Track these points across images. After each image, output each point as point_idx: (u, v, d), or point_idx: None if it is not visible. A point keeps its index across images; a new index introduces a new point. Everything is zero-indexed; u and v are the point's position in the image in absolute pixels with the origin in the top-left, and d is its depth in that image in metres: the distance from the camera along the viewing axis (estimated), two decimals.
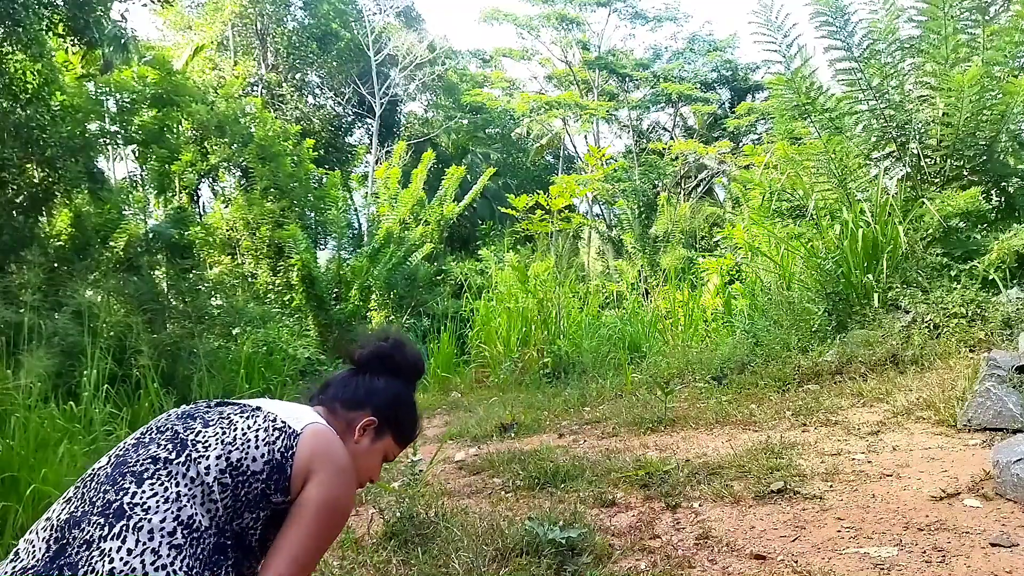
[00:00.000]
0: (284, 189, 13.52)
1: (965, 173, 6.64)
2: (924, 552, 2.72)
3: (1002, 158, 6.65)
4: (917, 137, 6.89)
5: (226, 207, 13.91)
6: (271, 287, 13.38)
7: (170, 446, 1.30)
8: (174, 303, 8.50)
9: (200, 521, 1.21)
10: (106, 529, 1.16)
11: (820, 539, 2.97)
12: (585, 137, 25.56)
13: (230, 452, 1.30)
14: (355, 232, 17.54)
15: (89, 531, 1.17)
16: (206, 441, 1.31)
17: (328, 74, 22.75)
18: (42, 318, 6.33)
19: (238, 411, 1.41)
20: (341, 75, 22.44)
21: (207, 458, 1.28)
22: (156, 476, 1.24)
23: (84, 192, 8.14)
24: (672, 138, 24.58)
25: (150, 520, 1.18)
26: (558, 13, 23.45)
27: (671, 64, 24.73)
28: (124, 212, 8.72)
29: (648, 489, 3.87)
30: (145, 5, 7.59)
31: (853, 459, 3.96)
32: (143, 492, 1.21)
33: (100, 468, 1.31)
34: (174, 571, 1.15)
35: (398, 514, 3.45)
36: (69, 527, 1.20)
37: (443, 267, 17.83)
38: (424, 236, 16.74)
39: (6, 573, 1.18)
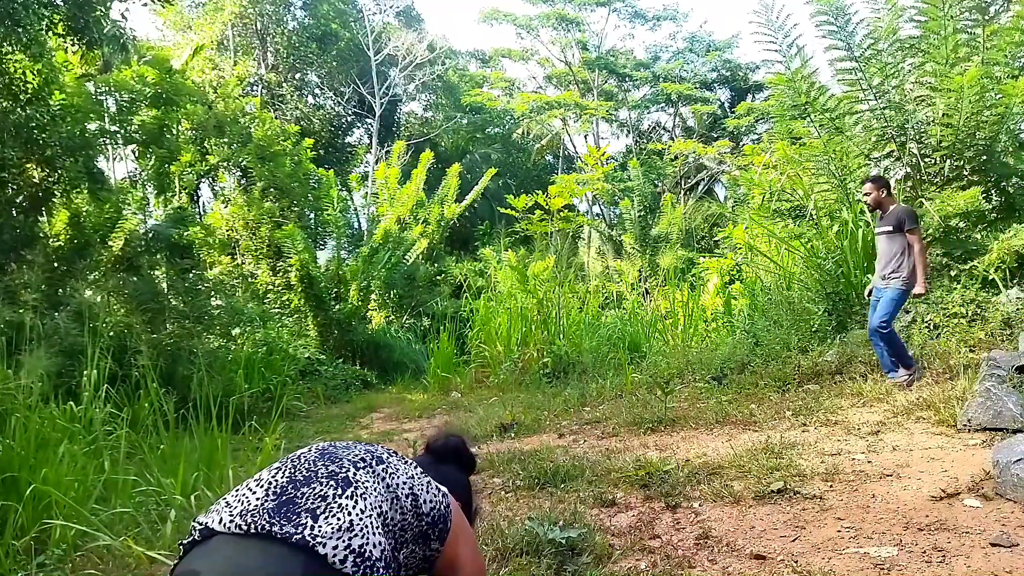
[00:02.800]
0: (283, 189, 13.51)
1: (965, 173, 6.65)
2: (924, 552, 2.72)
3: (1002, 158, 6.65)
4: (917, 137, 6.89)
5: (226, 207, 13.90)
6: (270, 287, 13.37)
7: (370, 455, 1.50)
8: (174, 303, 8.49)
9: (389, 522, 1.41)
10: (340, 490, 1.34)
11: (820, 539, 2.97)
12: (585, 137, 25.58)
13: (413, 484, 1.50)
14: (354, 232, 17.55)
15: (322, 490, 1.33)
16: (395, 466, 1.50)
17: (328, 74, 22.75)
18: (42, 318, 6.33)
19: (401, 455, 1.60)
20: (341, 75, 22.44)
21: (398, 477, 1.48)
22: (367, 470, 1.44)
23: (84, 192, 8.13)
24: (672, 138, 24.58)
25: (368, 497, 1.36)
26: (557, 13, 23.45)
27: (671, 64, 24.74)
28: (124, 212, 8.70)
29: (648, 489, 3.87)
30: (145, 5, 7.57)
31: (853, 459, 3.96)
32: (360, 475, 1.41)
33: (304, 453, 1.49)
34: (386, 543, 1.33)
35: None
36: (295, 486, 1.34)
37: (443, 267, 17.83)
38: (424, 235, 16.74)
39: (224, 515, 1.29)
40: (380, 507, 1.38)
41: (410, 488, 1.49)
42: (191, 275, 8.99)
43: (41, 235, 7.75)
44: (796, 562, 2.77)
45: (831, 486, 3.58)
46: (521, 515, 3.47)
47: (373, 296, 14.66)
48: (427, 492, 1.52)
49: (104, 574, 2.91)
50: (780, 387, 5.98)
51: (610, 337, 10.18)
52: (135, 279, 8.17)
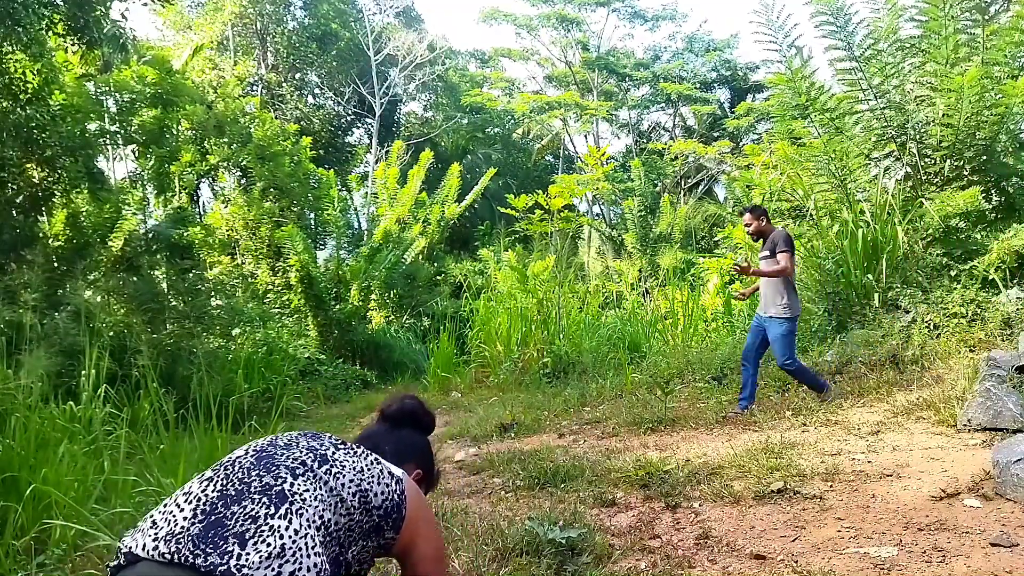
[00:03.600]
0: (283, 189, 13.52)
1: (965, 173, 6.64)
2: (924, 552, 2.72)
3: (1002, 158, 6.65)
4: (917, 137, 6.89)
5: (225, 207, 13.90)
6: (270, 287, 13.38)
7: (312, 455, 1.41)
8: (174, 303, 8.50)
9: (332, 528, 1.33)
10: (272, 509, 1.25)
11: (820, 539, 2.97)
12: (585, 137, 25.59)
13: (361, 480, 1.43)
14: (354, 232, 17.55)
15: (254, 508, 1.25)
16: (342, 461, 1.43)
17: (328, 74, 22.75)
18: (42, 318, 6.34)
19: (350, 445, 1.53)
20: (341, 75, 22.44)
21: (344, 477, 1.40)
22: (306, 476, 1.35)
23: (84, 192, 8.13)
24: (672, 138, 24.59)
25: (306, 510, 1.28)
26: (557, 13, 23.45)
27: (670, 64, 24.74)
28: (124, 212, 8.71)
29: (648, 489, 3.87)
30: (145, 5, 7.58)
31: (853, 459, 3.96)
32: (299, 485, 1.32)
33: (240, 457, 1.39)
34: (323, 561, 1.25)
35: None
36: (225, 503, 1.26)
37: (443, 267, 17.83)
38: (423, 235, 16.74)
39: (148, 539, 1.22)
40: (321, 517, 1.31)
41: (358, 485, 1.41)
42: (191, 275, 9.00)
43: (41, 235, 7.76)
44: (796, 562, 2.77)
45: (831, 486, 3.58)
46: (521, 515, 3.47)
47: (373, 296, 14.66)
48: (378, 484, 1.45)
49: (104, 574, 2.91)
50: (780, 387, 5.98)
51: (610, 337, 10.18)
52: (135, 279, 8.17)
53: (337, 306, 13.34)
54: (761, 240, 5.59)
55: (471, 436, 6.27)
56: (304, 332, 12.79)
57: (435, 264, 17.85)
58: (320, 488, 1.34)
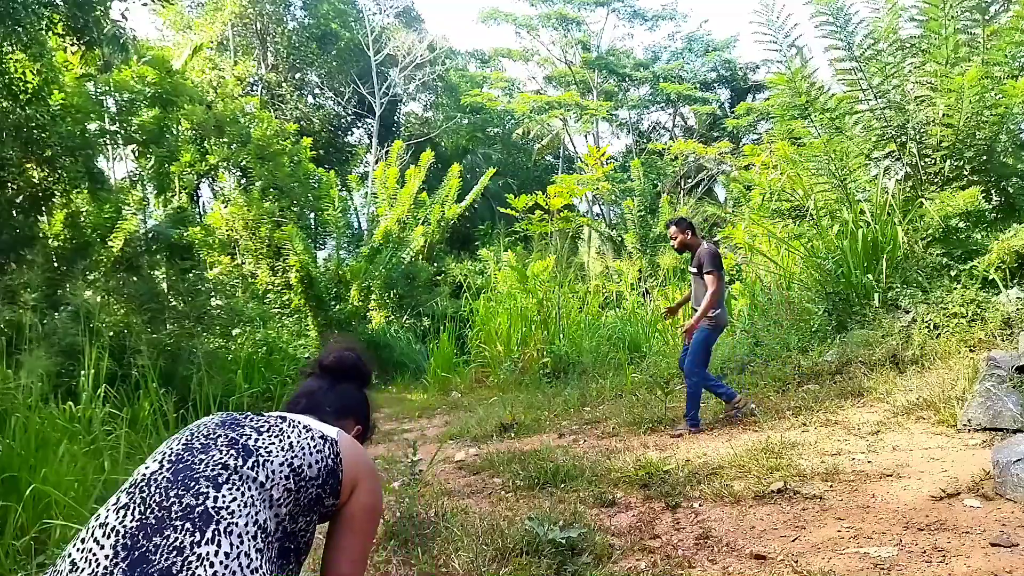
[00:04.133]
0: (283, 189, 13.53)
1: (965, 173, 6.64)
2: (924, 552, 2.72)
3: (1002, 158, 6.64)
4: (917, 137, 6.89)
5: (225, 207, 13.91)
6: (270, 287, 13.37)
7: (234, 452, 1.32)
8: (174, 303, 8.49)
9: (270, 525, 1.26)
10: (198, 535, 1.14)
11: (820, 539, 2.97)
12: (585, 137, 25.58)
13: (292, 458, 1.36)
14: (354, 232, 17.55)
15: (178, 537, 1.15)
16: (268, 447, 1.35)
17: (328, 74, 22.75)
18: (42, 318, 6.33)
19: (274, 421, 1.45)
20: (341, 75, 22.44)
21: (272, 463, 1.33)
22: (231, 481, 1.26)
23: (84, 192, 8.14)
24: (672, 138, 24.58)
25: (236, 524, 1.19)
26: (557, 13, 23.44)
27: (670, 64, 24.74)
28: (124, 212, 8.71)
29: (648, 489, 3.87)
30: (145, 5, 7.57)
31: (853, 459, 3.96)
32: (224, 496, 1.22)
33: (155, 473, 1.27)
34: (263, 574, 1.18)
35: (398, 514, 3.45)
36: (146, 534, 1.15)
37: (443, 267, 17.84)
38: (424, 235, 16.74)
39: None
40: (256, 522, 1.22)
41: (290, 465, 1.34)
42: (191, 275, 8.99)
43: (41, 235, 7.75)
44: (796, 562, 2.77)
45: (831, 486, 3.58)
46: (521, 515, 3.47)
47: (373, 296, 14.67)
48: (311, 455, 1.38)
49: None
50: (780, 387, 5.98)
51: (610, 337, 10.18)
52: (135, 279, 8.17)
53: (337, 306, 13.35)
54: (689, 253, 5.60)
55: (471, 436, 6.27)
56: (304, 332, 12.79)
57: (435, 264, 17.85)
58: (250, 489, 1.26)
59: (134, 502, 1.21)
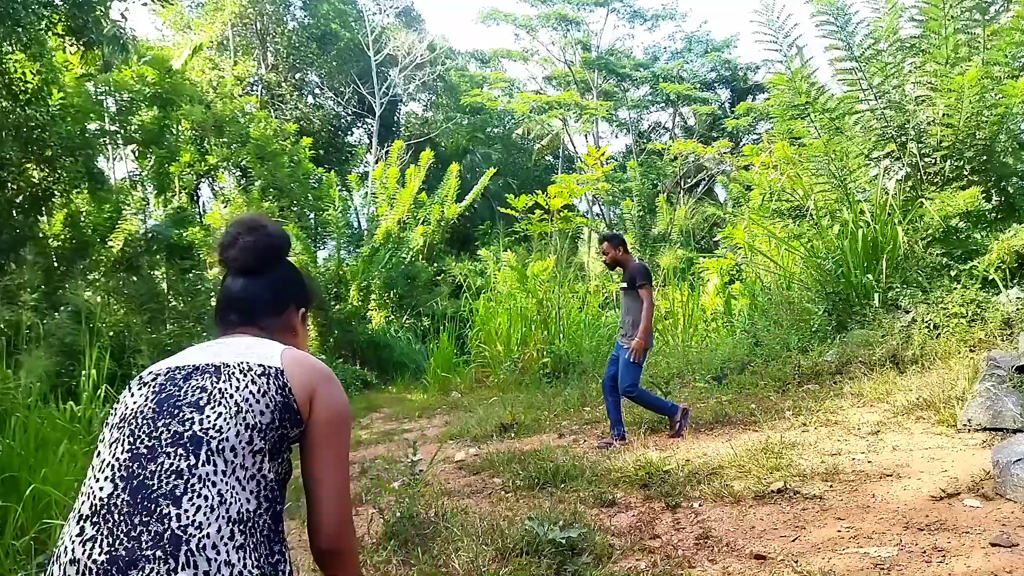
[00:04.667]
0: (283, 189, 13.53)
1: (965, 173, 6.64)
2: (924, 552, 2.72)
3: (1002, 158, 6.64)
4: (917, 137, 6.89)
5: (225, 207, 13.91)
6: None
7: (183, 451, 1.19)
8: (174, 303, 8.50)
9: (246, 513, 1.19)
10: (172, 562, 1.10)
11: (820, 539, 2.97)
12: (585, 137, 25.59)
13: (244, 418, 1.24)
14: (354, 232, 17.54)
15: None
16: (216, 424, 1.22)
17: (328, 74, 22.77)
18: (42, 318, 6.34)
19: (210, 377, 1.29)
20: (341, 75, 22.45)
21: (227, 439, 1.21)
22: (191, 493, 1.16)
23: (84, 192, 8.14)
24: (672, 138, 24.59)
25: (206, 543, 1.13)
26: (556, 13, 23.45)
27: (670, 64, 24.75)
28: (124, 212, 8.72)
29: (648, 489, 3.87)
30: (145, 4, 7.58)
31: (853, 459, 3.96)
32: (187, 511, 1.15)
33: (113, 497, 1.18)
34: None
35: (398, 514, 3.45)
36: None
37: (443, 267, 17.84)
38: (423, 235, 16.75)
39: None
40: (229, 517, 1.16)
41: (246, 427, 1.23)
42: (191, 275, 9.00)
43: (41, 235, 7.76)
44: (796, 562, 2.77)
45: (831, 486, 3.58)
46: (521, 515, 3.47)
47: (373, 296, 14.67)
48: (260, 403, 1.25)
49: None
50: (780, 387, 5.98)
51: (610, 337, 10.17)
52: (135, 279, 8.18)
53: (337, 306, 13.35)
54: (620, 269, 5.55)
55: (471, 436, 6.28)
56: None
57: (435, 264, 17.85)
58: (219, 486, 1.18)
59: (101, 533, 1.14)
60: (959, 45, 6.62)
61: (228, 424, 1.23)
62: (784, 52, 7.46)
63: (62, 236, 8.11)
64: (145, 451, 1.20)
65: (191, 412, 1.24)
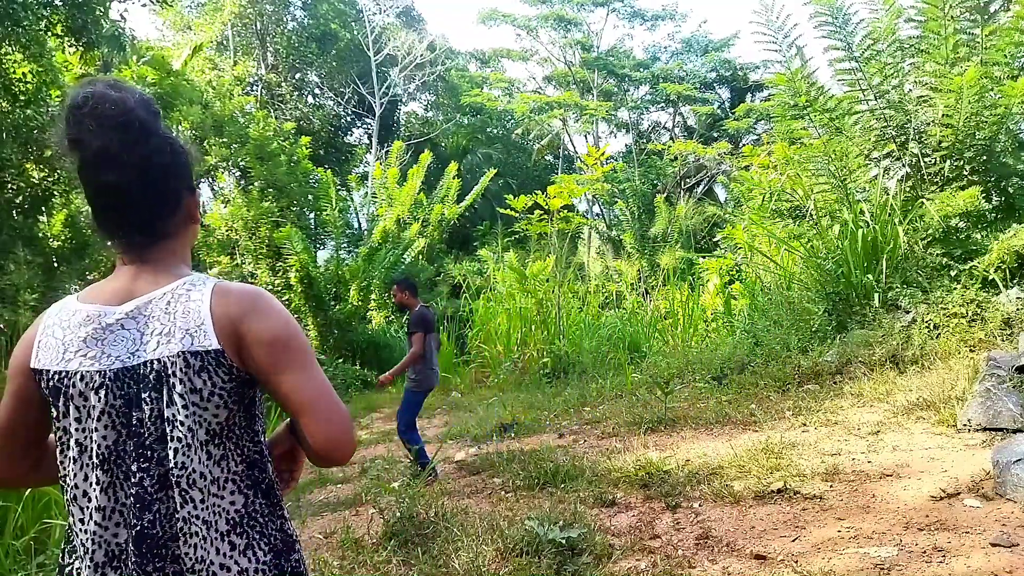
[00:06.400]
0: (282, 188, 13.53)
1: (965, 173, 6.64)
2: (924, 552, 2.72)
3: (1002, 158, 6.65)
4: (917, 137, 6.89)
5: (225, 207, 13.91)
6: (270, 287, 13.36)
7: (170, 492, 1.12)
8: None
9: (246, 509, 1.17)
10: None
11: (820, 539, 2.97)
12: (585, 137, 25.59)
13: (198, 443, 1.12)
14: (354, 232, 17.55)
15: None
16: (178, 463, 1.12)
17: (328, 74, 22.78)
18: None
19: (156, 398, 1.12)
20: (341, 75, 22.46)
21: (195, 470, 1.13)
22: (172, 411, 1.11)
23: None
24: (672, 138, 24.60)
25: (192, 460, 1.12)
26: (556, 14, 23.46)
27: (669, 64, 24.76)
28: None
29: (648, 489, 3.87)
30: (144, 5, 7.58)
31: (853, 459, 3.96)
32: (169, 455, 1.11)
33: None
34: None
35: (398, 514, 3.45)
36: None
37: (442, 267, 17.85)
38: (422, 235, 16.75)
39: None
40: (221, 533, 1.13)
41: (207, 449, 1.13)
42: None
43: (40, 235, 7.76)
44: (796, 562, 2.77)
45: (831, 486, 3.58)
46: (521, 515, 3.47)
47: (373, 296, 14.67)
48: (207, 412, 1.12)
49: None
50: (780, 387, 5.98)
51: (610, 337, 10.18)
52: None
53: (337, 306, 13.35)
54: (408, 312, 5.66)
55: (471, 436, 6.28)
56: (303, 331, 12.77)
57: (434, 264, 17.86)
58: (182, 426, 1.11)
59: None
60: (958, 45, 6.63)
61: (189, 457, 1.12)
62: (784, 52, 7.47)
63: (62, 236, 8.11)
64: (134, 500, 1.12)
65: (163, 449, 1.12)
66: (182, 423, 1.12)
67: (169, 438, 1.12)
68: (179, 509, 1.12)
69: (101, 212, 1.19)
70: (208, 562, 1.12)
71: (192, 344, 1.12)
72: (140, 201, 1.17)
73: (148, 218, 1.18)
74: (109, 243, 1.20)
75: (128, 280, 1.18)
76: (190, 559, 1.11)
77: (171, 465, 1.12)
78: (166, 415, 1.12)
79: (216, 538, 1.13)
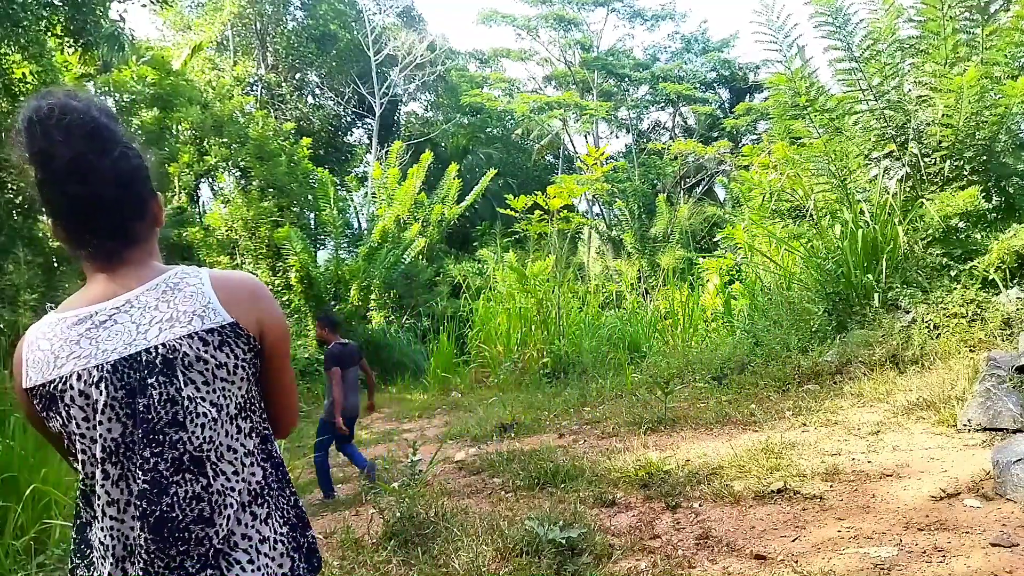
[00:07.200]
0: (282, 188, 13.54)
1: (965, 173, 6.64)
2: (924, 552, 2.72)
3: (1002, 158, 6.65)
4: (917, 137, 6.89)
5: (225, 207, 13.92)
6: (270, 287, 13.37)
7: (191, 475, 1.12)
8: None
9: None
10: (204, 479, 1.13)
11: (820, 539, 2.97)
12: (585, 137, 25.59)
13: (227, 416, 1.15)
14: (354, 232, 17.56)
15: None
16: (206, 437, 1.13)
17: (328, 74, 22.78)
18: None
19: (165, 382, 1.12)
20: (341, 75, 22.46)
21: (222, 443, 1.15)
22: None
23: None
24: (672, 138, 24.60)
25: (220, 431, 1.16)
26: (556, 14, 23.47)
27: (669, 64, 24.77)
28: None
29: (648, 489, 3.87)
30: (144, 5, 7.58)
31: (853, 459, 3.96)
32: (193, 435, 1.13)
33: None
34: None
35: (398, 514, 3.45)
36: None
37: (442, 267, 17.86)
38: (422, 235, 16.75)
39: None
40: (243, 503, 1.16)
41: (236, 423, 1.17)
42: None
43: (40, 235, 7.76)
44: (796, 562, 2.77)
45: (831, 486, 3.58)
46: (521, 515, 3.47)
47: (373, 296, 14.68)
48: (233, 385, 1.16)
49: None
50: (780, 387, 5.98)
51: (610, 337, 10.18)
52: None
53: (337, 306, 13.35)
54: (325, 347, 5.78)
55: (471, 436, 6.28)
56: (304, 332, 12.79)
57: (434, 264, 17.87)
58: (204, 402, 1.12)
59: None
60: (958, 45, 6.63)
61: (216, 431, 1.14)
62: (784, 52, 7.46)
63: None
64: (148, 487, 1.10)
65: (176, 432, 1.11)
66: (204, 399, 1.13)
67: (189, 418, 1.12)
68: (212, 482, 1.14)
69: (74, 222, 1.18)
70: (229, 531, 1.15)
71: (204, 324, 1.14)
72: (113, 207, 1.17)
73: (121, 223, 1.19)
74: (82, 252, 1.19)
75: (108, 282, 1.19)
76: (224, 530, 1.13)
77: (194, 444, 1.13)
78: (182, 396, 1.12)
79: (238, 508, 1.17)
